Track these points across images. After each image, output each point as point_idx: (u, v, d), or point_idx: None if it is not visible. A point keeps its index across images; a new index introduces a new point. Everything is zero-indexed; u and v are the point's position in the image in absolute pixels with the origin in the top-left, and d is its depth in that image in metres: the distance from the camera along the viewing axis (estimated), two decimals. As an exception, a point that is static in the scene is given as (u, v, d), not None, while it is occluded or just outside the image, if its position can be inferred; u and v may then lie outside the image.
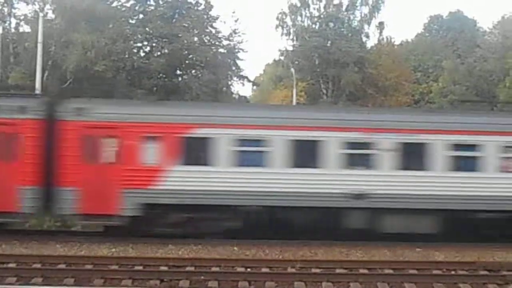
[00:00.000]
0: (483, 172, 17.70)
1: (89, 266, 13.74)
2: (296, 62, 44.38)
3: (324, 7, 45.31)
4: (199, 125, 17.26)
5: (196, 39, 38.62)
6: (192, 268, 13.76)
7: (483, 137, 17.68)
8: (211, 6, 39.31)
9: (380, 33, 47.13)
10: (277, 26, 46.16)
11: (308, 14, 45.81)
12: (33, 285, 11.95)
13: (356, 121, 17.80)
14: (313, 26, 45.57)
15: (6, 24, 35.61)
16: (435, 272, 13.98)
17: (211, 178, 17.13)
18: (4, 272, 12.85)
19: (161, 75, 37.58)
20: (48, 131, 17.16)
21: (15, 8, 36.02)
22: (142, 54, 38.67)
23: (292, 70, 42.13)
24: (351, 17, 45.40)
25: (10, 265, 13.62)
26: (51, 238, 17.12)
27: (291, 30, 46.09)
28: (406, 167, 17.54)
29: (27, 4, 35.66)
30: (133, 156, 17.14)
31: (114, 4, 37.76)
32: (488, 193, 17.46)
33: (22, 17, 35.97)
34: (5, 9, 35.65)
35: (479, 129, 17.74)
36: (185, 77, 38.79)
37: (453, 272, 14.01)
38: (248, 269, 13.84)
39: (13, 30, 36.00)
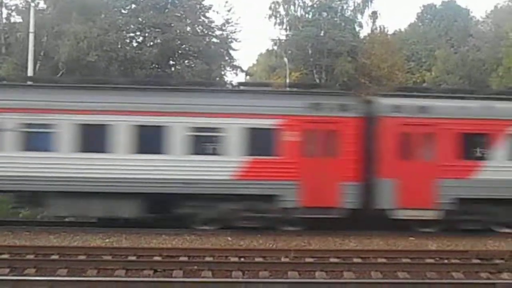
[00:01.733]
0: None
1: (82, 257, 13.72)
2: (289, 52, 44.23)
3: (317, -3, 45.13)
4: None
5: (189, 29, 38.47)
6: (186, 258, 13.77)
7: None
8: (204, -4, 39.13)
9: (373, 22, 47.05)
10: (270, 16, 46.00)
11: (301, 4, 45.60)
12: (26, 276, 11.92)
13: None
14: (306, 15, 45.41)
15: (-3, 15, 35.30)
16: (428, 261, 14.06)
17: None
18: (-3, 263, 12.82)
19: (153, 65, 37.46)
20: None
21: (6, -2, 35.71)
22: (135, 44, 38.48)
23: (285, 60, 42.03)
24: (344, 6, 45.24)
25: (3, 256, 13.60)
26: (44, 229, 17.09)
27: (284, 20, 45.90)
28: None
29: (18, -6, 35.39)
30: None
31: (106, -6, 37.52)
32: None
33: (13, 7, 35.68)
34: (-4, -1, 35.32)
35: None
36: (178, 67, 38.65)
37: (445, 261, 14.10)
38: (242, 259, 13.89)
39: (4, 21, 35.66)
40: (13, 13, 35.75)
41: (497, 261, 13.86)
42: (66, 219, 19.30)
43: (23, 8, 34.31)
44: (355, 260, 13.97)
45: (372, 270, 13.03)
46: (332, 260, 13.88)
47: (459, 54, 46.71)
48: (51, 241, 15.94)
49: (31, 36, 27.50)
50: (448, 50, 48.47)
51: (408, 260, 13.99)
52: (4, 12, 35.81)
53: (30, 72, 27.36)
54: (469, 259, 14.30)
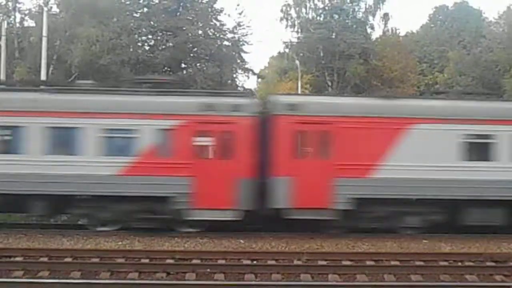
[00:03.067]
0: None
1: (95, 260, 13.77)
2: (301, 54, 44.22)
3: (329, -1, 45.11)
4: None
5: (200, 32, 38.53)
6: (198, 261, 13.78)
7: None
8: (215, -1, 39.23)
9: (385, 24, 46.95)
10: (281, 18, 46.05)
11: (312, 6, 45.61)
12: (40, 279, 11.98)
13: None
14: (318, 18, 45.39)
15: (11, 19, 35.59)
16: (441, 263, 13.97)
17: None
18: (11, 265, 12.90)
19: (166, 68, 37.53)
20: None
21: (19, 3, 36.03)
22: (147, 47, 38.61)
23: (297, 62, 42.02)
24: (356, 8, 45.19)
25: (17, 258, 13.68)
26: (58, 232, 17.18)
27: (296, 22, 45.94)
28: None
29: (32, -2, 35.68)
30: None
31: (118, -3, 37.71)
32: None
33: (26, 12, 36.00)
34: (10, 4, 35.63)
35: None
36: (189, 70, 38.68)
37: (459, 264, 14.01)
38: (254, 262, 13.87)
39: (17, 25, 35.98)
40: (27, 18, 36.10)
41: (512, 264, 13.77)
42: (79, 222, 19.41)
43: (36, 13, 34.60)
44: (368, 263, 13.91)
45: (385, 273, 12.97)
46: (344, 263, 13.84)
47: (471, 56, 46.46)
48: (64, 243, 16.01)
49: (44, 40, 27.71)
50: (461, 52, 48.26)
51: (422, 263, 13.91)
52: (18, 16, 36.18)
53: (43, 76, 27.56)
54: (483, 261, 14.20)
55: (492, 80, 43.00)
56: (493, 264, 13.99)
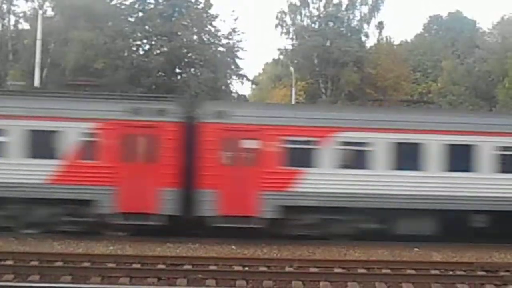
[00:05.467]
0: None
1: (86, 264, 13.70)
2: (296, 61, 44.35)
3: (324, 6, 45.26)
4: None
5: (195, 37, 38.63)
6: (190, 267, 13.73)
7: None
8: (211, 5, 39.35)
9: (380, 32, 47.14)
10: (276, 25, 46.15)
11: (307, 13, 45.77)
12: (30, 283, 11.91)
13: None
14: (313, 25, 45.54)
15: (5, 21, 35.63)
16: (433, 272, 13.96)
17: None
18: (2, 269, 12.80)
19: (160, 73, 37.59)
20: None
21: (14, 5, 36.10)
22: (141, 52, 38.67)
23: (291, 69, 42.12)
24: (351, 16, 45.35)
25: (8, 262, 13.59)
26: (49, 236, 17.10)
27: (291, 29, 46.05)
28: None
29: (26, 1, 35.86)
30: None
31: (114, 2, 37.78)
32: None
33: (21, 14, 36.06)
34: (4, 6, 35.69)
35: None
36: (184, 75, 38.77)
37: (451, 273, 13.99)
38: (246, 268, 13.83)
39: (12, 28, 35.96)
40: (21, 20, 36.11)
41: (503, 273, 13.77)
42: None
43: (31, 15, 34.60)
44: (360, 270, 13.90)
45: (376, 281, 12.96)
46: (336, 270, 13.82)
47: (465, 65, 46.73)
48: (55, 247, 15.94)
49: (38, 43, 27.69)
50: (454, 61, 48.53)
51: (413, 271, 13.91)
52: (12, 19, 36.18)
53: (36, 79, 27.51)
54: (475, 271, 14.21)
55: (485, 90, 43.24)
56: (484, 273, 14.00)
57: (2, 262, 13.53)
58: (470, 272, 14.04)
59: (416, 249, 16.98)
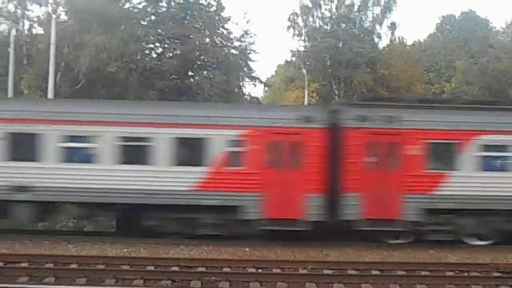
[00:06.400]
0: None
1: (101, 266, 13.78)
2: (308, 63, 44.31)
3: (336, 8, 45.23)
4: None
5: (207, 40, 38.73)
6: (204, 269, 13.76)
7: None
8: (223, 7, 39.44)
9: (392, 33, 46.95)
10: (288, 27, 46.14)
11: (319, 15, 45.73)
12: (45, 285, 12.01)
13: None
14: (325, 26, 45.50)
15: (19, 26, 35.80)
16: (447, 273, 13.89)
17: None
18: (17, 271, 12.93)
19: (173, 76, 37.71)
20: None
21: (28, 10, 36.23)
22: (154, 55, 38.84)
23: (304, 71, 42.06)
24: (363, 17, 45.27)
25: (23, 264, 13.70)
26: (64, 238, 17.21)
27: (303, 31, 46.04)
28: None
29: (40, 6, 35.87)
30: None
31: (126, 5, 37.96)
32: None
33: (35, 19, 36.23)
34: (19, 11, 35.85)
35: None
36: (196, 78, 38.86)
37: (465, 274, 13.92)
38: (259, 270, 13.83)
39: (26, 32, 36.19)
40: (35, 25, 36.32)
41: (518, 275, 13.69)
42: (85, 229, 19.46)
43: (45, 20, 34.82)
44: (374, 272, 13.86)
45: (390, 282, 12.92)
46: (350, 272, 13.79)
47: (478, 65, 46.40)
48: (70, 250, 16.03)
49: (52, 48, 27.85)
50: (468, 61, 48.19)
51: (428, 273, 13.85)
52: (26, 23, 36.40)
53: (50, 83, 27.70)
54: (489, 272, 14.12)
55: (499, 89, 42.92)
56: (499, 274, 13.91)
57: (18, 265, 13.64)
58: (485, 274, 13.95)
59: (430, 250, 16.89)
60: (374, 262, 15.07)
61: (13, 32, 31.82)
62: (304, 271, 13.81)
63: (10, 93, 29.40)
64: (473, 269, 14.28)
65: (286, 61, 50.07)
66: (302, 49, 46.07)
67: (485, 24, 55.87)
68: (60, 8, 35.86)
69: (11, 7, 35.62)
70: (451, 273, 13.93)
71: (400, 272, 13.85)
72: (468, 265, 14.89)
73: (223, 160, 17.23)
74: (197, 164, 17.20)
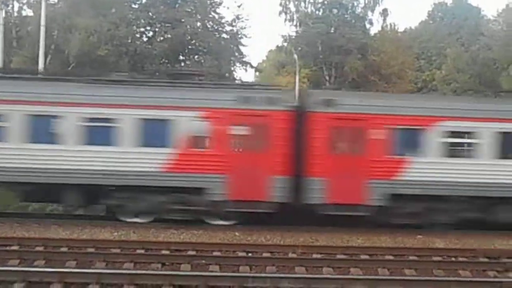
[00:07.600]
0: None
1: (91, 249, 13.83)
2: (299, 49, 44.11)
3: (328, -7, 44.99)
4: None
5: (199, 24, 38.49)
6: (194, 252, 13.85)
7: None
8: (215, -9, 39.14)
9: (384, 20, 46.71)
10: (280, 12, 45.88)
11: (311, 0, 45.41)
12: (36, 267, 12.03)
13: None
14: (317, 12, 45.27)
15: (9, 8, 35.48)
16: (435, 258, 14.05)
17: None
18: (7, 254, 12.96)
19: (163, 60, 37.50)
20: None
21: (17, -8, 35.91)
22: (145, 39, 38.56)
23: (295, 56, 41.94)
24: (355, 3, 45.01)
25: (13, 247, 13.72)
26: (54, 222, 17.21)
27: (295, 16, 45.76)
28: None
29: (30, -13, 35.56)
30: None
31: (117, -12, 37.60)
32: None
33: (24, 1, 35.93)
34: (8, -7, 35.50)
35: None
36: (187, 62, 38.67)
37: (453, 259, 14.10)
38: (249, 254, 13.94)
39: (15, 14, 35.89)
40: (25, 7, 36.03)
41: (505, 260, 13.87)
42: (75, 212, 19.46)
43: (35, 2, 34.51)
44: (362, 256, 13.99)
45: (379, 267, 13.06)
46: (339, 256, 13.91)
47: (469, 53, 46.45)
48: (60, 233, 16.05)
49: (42, 30, 27.63)
50: (459, 49, 48.24)
51: (415, 258, 14.00)
52: (16, 5, 36.09)
53: (40, 66, 27.51)
54: (477, 257, 14.30)
55: (490, 77, 43.02)
56: (486, 260, 14.09)
57: (8, 248, 13.67)
58: (472, 259, 14.13)
59: (418, 236, 17.05)
60: (362, 247, 15.22)
61: (3, 14, 31.46)
62: (294, 255, 13.92)
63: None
64: (461, 254, 14.47)
65: (278, 46, 49.90)
66: (293, 34, 45.91)
67: (476, 12, 55.87)
68: (50, -10, 35.55)
69: (0, -12, 35.26)
70: (439, 258, 14.10)
71: (388, 257, 13.99)
72: (455, 250, 15.06)
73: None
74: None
